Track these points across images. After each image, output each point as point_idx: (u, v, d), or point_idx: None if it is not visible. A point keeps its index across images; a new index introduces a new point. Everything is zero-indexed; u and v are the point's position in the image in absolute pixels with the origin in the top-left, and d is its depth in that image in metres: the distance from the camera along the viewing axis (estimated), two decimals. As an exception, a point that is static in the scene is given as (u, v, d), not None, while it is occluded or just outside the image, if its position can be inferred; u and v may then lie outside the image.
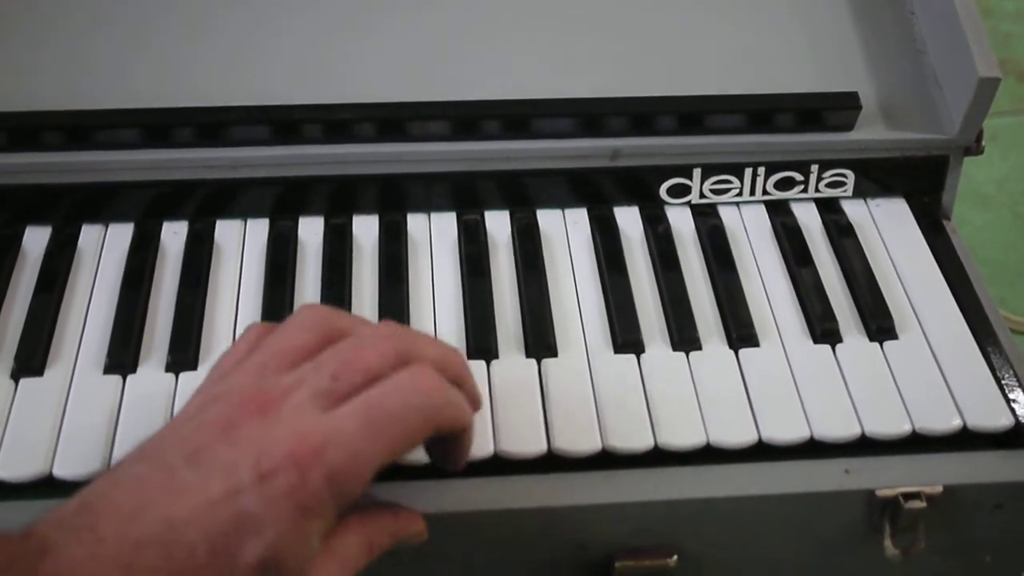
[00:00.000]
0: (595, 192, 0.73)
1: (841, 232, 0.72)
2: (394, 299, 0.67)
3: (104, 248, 0.70)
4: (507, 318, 0.67)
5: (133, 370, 0.63)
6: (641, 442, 0.60)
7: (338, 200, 0.72)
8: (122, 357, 0.63)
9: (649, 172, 0.73)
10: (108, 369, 0.63)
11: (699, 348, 0.65)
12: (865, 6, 0.79)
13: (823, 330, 0.66)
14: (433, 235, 0.72)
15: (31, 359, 0.63)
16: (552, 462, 0.60)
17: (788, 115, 0.72)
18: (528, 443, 0.60)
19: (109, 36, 0.75)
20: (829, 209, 0.74)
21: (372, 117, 0.70)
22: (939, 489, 0.59)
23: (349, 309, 0.67)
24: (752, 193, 0.74)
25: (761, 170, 0.73)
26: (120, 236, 0.71)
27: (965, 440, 0.62)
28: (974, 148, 0.73)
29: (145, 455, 0.46)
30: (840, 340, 0.66)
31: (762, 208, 0.74)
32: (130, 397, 0.62)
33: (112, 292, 0.67)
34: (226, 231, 0.72)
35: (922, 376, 0.64)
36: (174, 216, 0.72)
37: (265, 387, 0.48)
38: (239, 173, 0.71)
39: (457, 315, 0.67)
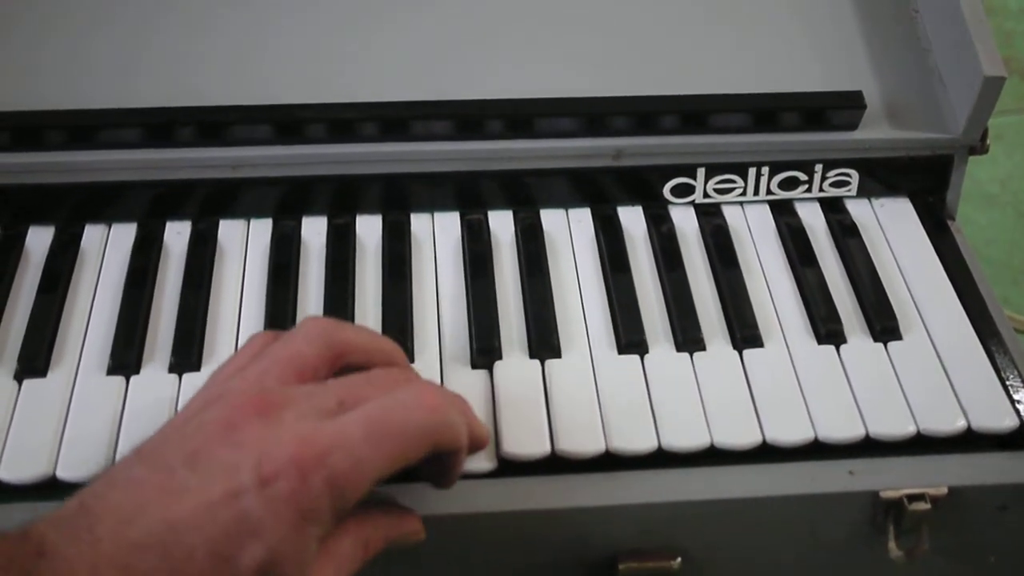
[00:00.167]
0: (599, 192, 0.73)
1: (845, 232, 0.72)
2: (397, 299, 0.67)
3: (107, 248, 0.70)
4: (511, 319, 0.67)
5: (136, 371, 0.63)
6: (645, 443, 0.60)
7: (341, 200, 0.72)
8: (125, 358, 0.63)
9: (653, 172, 0.73)
10: (111, 370, 0.63)
11: (703, 349, 0.65)
12: (869, 5, 0.79)
13: (827, 331, 0.66)
14: (437, 235, 0.72)
15: (34, 360, 0.63)
16: (556, 463, 0.60)
17: (792, 114, 0.72)
18: (532, 445, 0.60)
19: (111, 35, 0.75)
20: (833, 209, 0.74)
21: (375, 116, 0.70)
22: (943, 490, 0.59)
23: (352, 309, 0.67)
24: (756, 193, 0.74)
25: (765, 170, 0.73)
26: (123, 236, 0.71)
27: (969, 441, 0.62)
28: (979, 147, 0.73)
29: (144, 456, 0.46)
30: (844, 341, 0.66)
31: (766, 208, 0.74)
32: (133, 398, 0.62)
33: (115, 292, 0.67)
34: (229, 231, 0.71)
35: (926, 377, 0.64)
36: (177, 216, 0.72)
37: (267, 391, 0.48)
38: (242, 173, 0.71)
39: (461, 315, 0.67)
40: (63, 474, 0.58)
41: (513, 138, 0.71)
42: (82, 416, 0.61)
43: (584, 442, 0.60)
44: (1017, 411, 0.62)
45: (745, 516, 0.60)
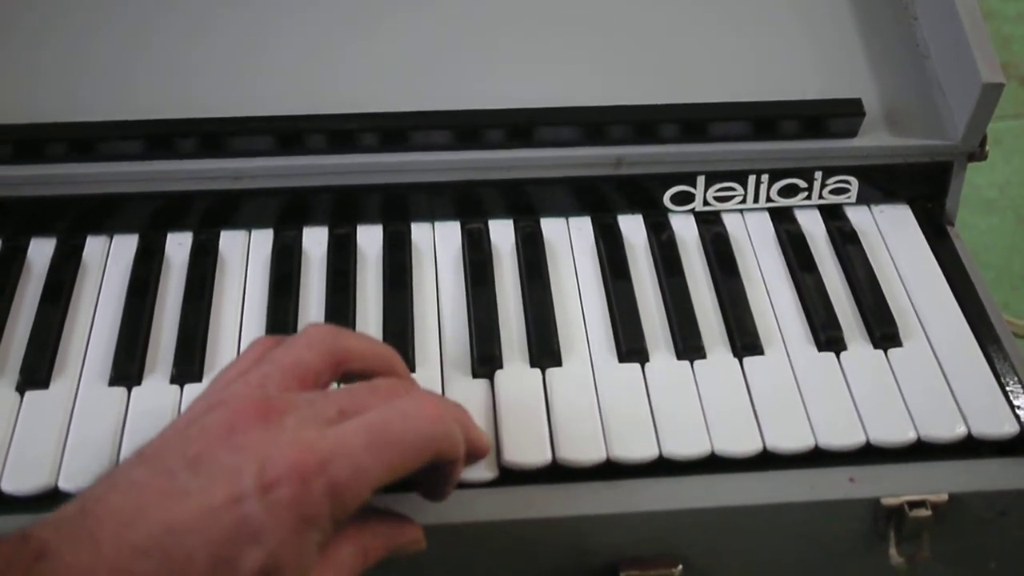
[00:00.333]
0: (599, 200, 0.73)
1: (845, 239, 0.72)
2: (398, 308, 0.67)
3: (109, 259, 0.71)
4: (511, 327, 0.67)
5: (138, 382, 0.63)
6: (646, 451, 0.60)
7: (342, 210, 0.72)
8: (127, 369, 0.63)
9: (652, 180, 0.73)
10: (113, 381, 0.63)
11: (703, 357, 0.65)
12: (868, 12, 0.79)
13: (827, 338, 0.66)
14: (437, 244, 0.72)
15: (36, 371, 0.63)
16: (557, 472, 0.60)
17: (791, 122, 0.72)
18: (533, 453, 0.60)
19: (111, 48, 0.75)
20: (833, 216, 0.74)
21: (375, 127, 0.71)
22: (944, 497, 0.59)
23: (353, 318, 0.67)
24: (756, 200, 0.74)
25: (765, 177, 0.73)
26: (124, 247, 0.71)
27: (970, 448, 0.62)
28: (978, 154, 0.73)
29: (145, 458, 0.46)
30: (844, 348, 0.66)
31: (766, 215, 0.74)
32: (135, 409, 0.62)
33: (117, 304, 0.68)
34: (230, 242, 0.72)
35: (926, 384, 0.64)
36: (178, 227, 0.72)
37: (269, 397, 0.48)
38: (242, 184, 0.71)
39: (461, 324, 0.67)
40: (65, 485, 0.58)
41: (513, 147, 0.72)
42: (84, 427, 0.61)
43: (585, 450, 0.60)
44: (1017, 417, 0.62)
45: (746, 524, 0.60)
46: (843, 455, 0.61)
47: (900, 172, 0.74)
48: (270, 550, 0.43)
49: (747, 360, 0.65)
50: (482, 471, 0.59)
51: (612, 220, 0.73)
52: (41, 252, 0.71)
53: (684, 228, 0.73)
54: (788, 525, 0.61)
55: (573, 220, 0.74)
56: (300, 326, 0.67)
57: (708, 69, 0.75)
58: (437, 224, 0.73)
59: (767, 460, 0.61)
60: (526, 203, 0.73)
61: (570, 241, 0.72)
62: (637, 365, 0.65)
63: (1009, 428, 0.62)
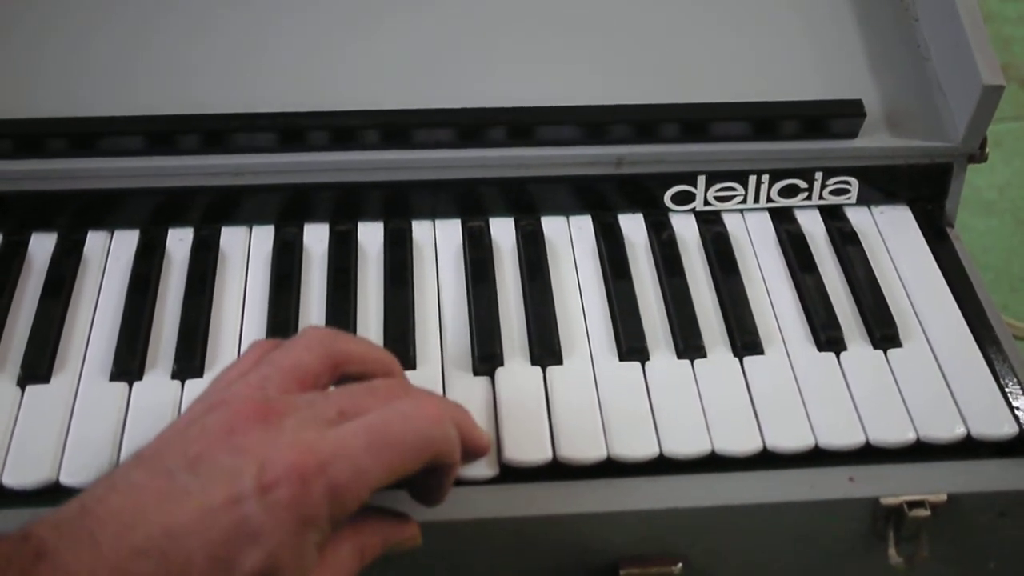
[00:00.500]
0: (599, 199, 0.74)
1: (845, 240, 0.72)
2: (399, 306, 0.67)
3: (110, 255, 0.71)
4: (512, 325, 0.67)
5: (139, 377, 0.63)
6: (646, 450, 0.60)
7: (343, 207, 0.72)
8: (128, 364, 0.63)
9: (653, 179, 0.73)
10: (114, 376, 0.63)
11: (704, 356, 0.65)
12: (868, 13, 0.79)
13: (827, 338, 0.66)
14: (438, 242, 0.72)
15: (37, 366, 0.63)
16: (557, 470, 0.60)
17: (792, 123, 0.72)
18: (533, 451, 0.60)
19: (113, 43, 0.75)
20: (833, 216, 0.74)
21: (377, 124, 0.71)
22: (943, 497, 0.59)
23: (354, 315, 0.67)
24: (756, 200, 0.74)
25: (765, 177, 0.73)
26: (125, 243, 0.71)
27: (969, 448, 0.62)
28: (978, 155, 0.73)
29: (145, 460, 0.46)
30: (844, 348, 0.66)
31: (766, 215, 0.74)
32: (136, 404, 0.62)
33: (118, 299, 0.68)
34: (231, 238, 0.72)
35: (926, 384, 0.64)
36: (179, 223, 0.72)
37: (268, 398, 0.48)
38: (243, 180, 0.71)
39: (462, 322, 0.67)
40: (66, 479, 0.58)
41: (514, 146, 0.72)
42: (85, 422, 0.61)
43: (585, 448, 0.60)
44: (1016, 418, 0.62)
45: (745, 522, 0.60)
46: (843, 455, 0.61)
47: (900, 173, 0.74)
48: (269, 551, 0.43)
49: (747, 360, 0.65)
50: (483, 468, 0.59)
51: (613, 219, 0.74)
52: (42, 247, 0.71)
53: (684, 228, 0.74)
54: (788, 524, 0.61)
55: (574, 219, 0.74)
56: (301, 323, 0.67)
57: (709, 69, 0.76)
58: (438, 222, 0.73)
59: (767, 459, 0.61)
60: (527, 201, 0.73)
61: (571, 240, 0.73)
62: (637, 364, 0.65)
63: (1008, 429, 0.62)
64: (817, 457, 0.61)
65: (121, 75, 0.74)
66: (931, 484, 0.60)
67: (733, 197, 0.74)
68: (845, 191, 0.74)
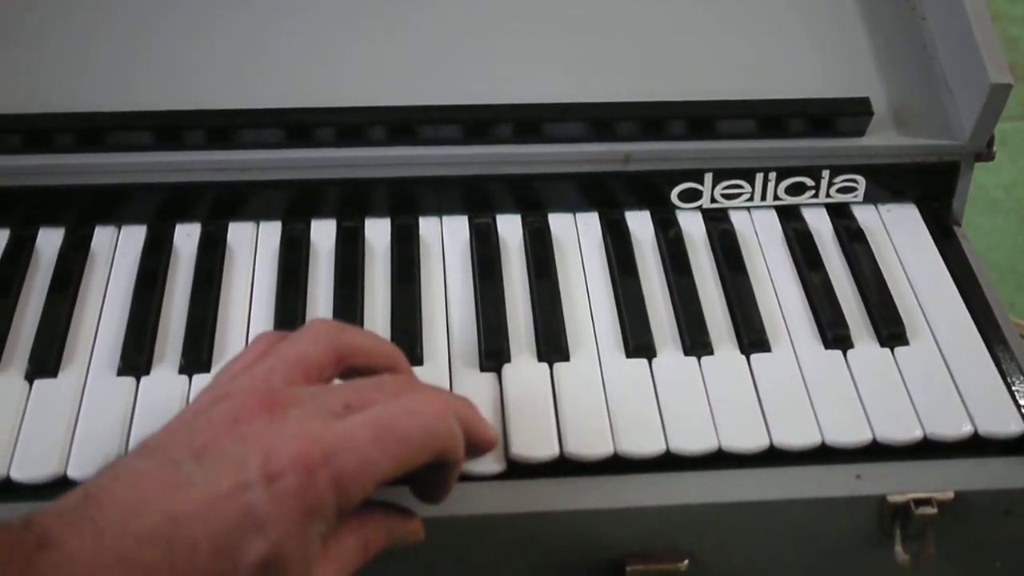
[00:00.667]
0: (607, 196, 0.74)
1: (852, 237, 0.72)
2: (406, 302, 0.67)
3: (117, 250, 0.71)
4: (519, 322, 0.67)
5: (147, 372, 0.63)
6: (652, 447, 0.60)
7: (350, 203, 0.72)
8: (136, 359, 0.64)
9: (661, 177, 0.73)
10: (122, 371, 0.63)
11: (711, 353, 0.65)
12: (876, 11, 0.79)
13: (834, 336, 0.66)
14: (445, 238, 0.72)
15: (45, 360, 0.63)
16: (564, 466, 0.60)
17: (799, 120, 0.72)
18: (540, 447, 0.60)
19: (119, 38, 0.75)
20: (840, 214, 0.74)
21: (384, 121, 0.71)
22: (950, 495, 0.59)
23: (361, 311, 0.67)
24: (763, 198, 0.74)
25: (772, 175, 0.73)
26: (133, 238, 0.71)
27: (976, 446, 0.62)
28: (985, 154, 0.73)
29: (150, 450, 0.46)
30: (851, 346, 0.66)
31: (773, 213, 0.74)
32: (144, 399, 0.62)
33: (125, 294, 0.68)
34: (239, 233, 0.72)
35: (933, 382, 0.64)
36: (186, 218, 0.72)
37: (274, 390, 0.48)
38: (250, 176, 0.71)
39: (469, 319, 0.67)
40: (74, 473, 0.58)
41: (522, 143, 0.72)
42: (93, 416, 0.61)
43: (592, 445, 0.60)
44: (1023, 416, 0.62)
45: (752, 519, 0.60)
46: (849, 452, 0.61)
47: (907, 171, 0.74)
48: (274, 540, 0.43)
49: (754, 357, 0.65)
50: (490, 464, 0.59)
51: (620, 216, 0.74)
52: (50, 242, 0.71)
53: (691, 225, 0.74)
54: (794, 521, 0.61)
55: (581, 216, 0.74)
56: (308, 318, 0.67)
57: (717, 67, 0.76)
58: (445, 218, 0.73)
59: (774, 457, 0.61)
60: (534, 198, 0.73)
61: (578, 237, 0.73)
62: (644, 361, 0.65)
63: (1015, 427, 0.62)
64: (824, 454, 0.61)
65: (128, 70, 0.74)
66: (938, 482, 0.60)
67: (740, 195, 0.74)
68: (852, 189, 0.74)
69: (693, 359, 0.65)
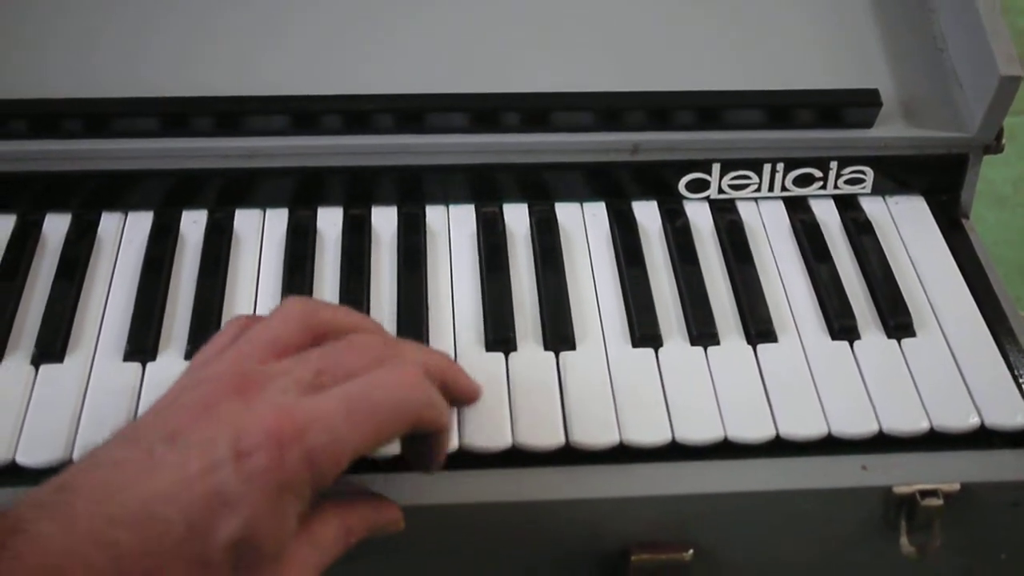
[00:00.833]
0: (614, 186, 0.73)
1: (860, 229, 0.72)
2: (412, 290, 0.67)
3: (124, 236, 0.71)
4: (525, 311, 0.67)
5: (153, 357, 0.63)
6: (658, 436, 0.60)
7: (357, 191, 0.72)
8: (142, 344, 0.64)
9: (668, 167, 0.73)
10: (128, 356, 0.63)
11: (717, 343, 0.65)
12: (885, 3, 0.79)
13: (841, 326, 0.66)
14: (452, 227, 0.72)
15: (51, 345, 0.63)
16: (569, 455, 0.60)
17: (808, 111, 0.72)
18: (545, 436, 0.60)
19: (127, 24, 0.75)
20: (848, 206, 0.74)
21: (391, 109, 0.71)
22: (956, 487, 0.59)
23: (368, 299, 0.67)
24: (771, 189, 0.74)
25: (780, 166, 0.73)
26: (139, 224, 0.71)
27: (982, 438, 0.62)
28: (994, 147, 0.73)
29: (125, 438, 0.46)
30: (858, 337, 0.66)
31: (780, 204, 0.74)
32: (150, 384, 0.62)
33: (132, 280, 0.68)
34: (245, 221, 0.72)
35: (940, 374, 0.64)
36: (193, 205, 0.72)
37: (245, 371, 0.48)
38: (257, 163, 0.71)
39: (475, 307, 0.67)
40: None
41: (529, 132, 0.72)
42: (99, 401, 0.61)
43: (598, 434, 0.60)
44: (1030, 409, 0.62)
45: (757, 509, 0.60)
46: (856, 443, 0.61)
47: (916, 163, 0.74)
48: (246, 518, 0.43)
49: (761, 347, 0.65)
50: (496, 439, 0.59)
51: (627, 206, 0.74)
52: (56, 228, 0.71)
53: (699, 215, 0.73)
54: (799, 512, 0.61)
55: (588, 205, 0.74)
56: (314, 306, 0.67)
57: (726, 57, 0.75)
58: (452, 207, 0.73)
59: (780, 447, 0.61)
60: (541, 187, 0.73)
61: (584, 226, 0.72)
62: (651, 350, 0.65)
63: (1021, 419, 0.62)
64: (830, 445, 0.61)
65: (135, 56, 0.74)
66: (944, 473, 0.60)
67: (748, 185, 0.74)
68: (860, 181, 0.74)
69: (699, 349, 0.65)
